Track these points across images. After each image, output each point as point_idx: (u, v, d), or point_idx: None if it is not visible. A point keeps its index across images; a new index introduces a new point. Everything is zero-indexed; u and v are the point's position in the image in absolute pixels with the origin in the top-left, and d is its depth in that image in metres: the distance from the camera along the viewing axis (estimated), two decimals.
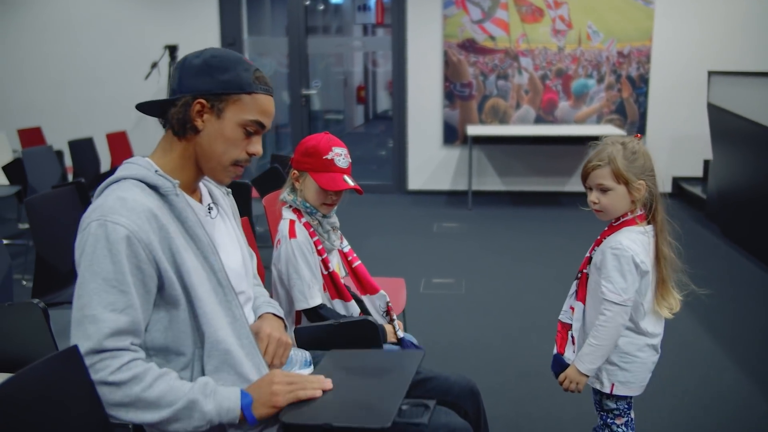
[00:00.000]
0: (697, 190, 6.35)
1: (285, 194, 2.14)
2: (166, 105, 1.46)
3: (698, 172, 6.75)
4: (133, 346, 1.34)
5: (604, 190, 1.83)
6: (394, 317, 2.20)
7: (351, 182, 2.08)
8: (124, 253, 1.32)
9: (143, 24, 7.19)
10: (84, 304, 1.31)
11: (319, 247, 2.09)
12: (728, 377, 3.00)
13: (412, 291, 4.13)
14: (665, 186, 7.06)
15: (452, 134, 6.98)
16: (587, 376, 1.85)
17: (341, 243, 2.25)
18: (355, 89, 13.73)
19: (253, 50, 7.74)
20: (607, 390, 1.89)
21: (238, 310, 1.48)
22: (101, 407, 1.31)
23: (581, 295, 1.91)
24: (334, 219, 2.20)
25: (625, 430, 1.95)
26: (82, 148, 5.20)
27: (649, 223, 1.88)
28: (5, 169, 4.85)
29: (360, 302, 2.16)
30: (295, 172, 2.12)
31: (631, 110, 6.71)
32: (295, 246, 2.04)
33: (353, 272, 2.23)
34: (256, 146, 1.51)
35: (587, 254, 1.92)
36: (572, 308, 1.94)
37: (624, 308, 1.79)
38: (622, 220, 1.86)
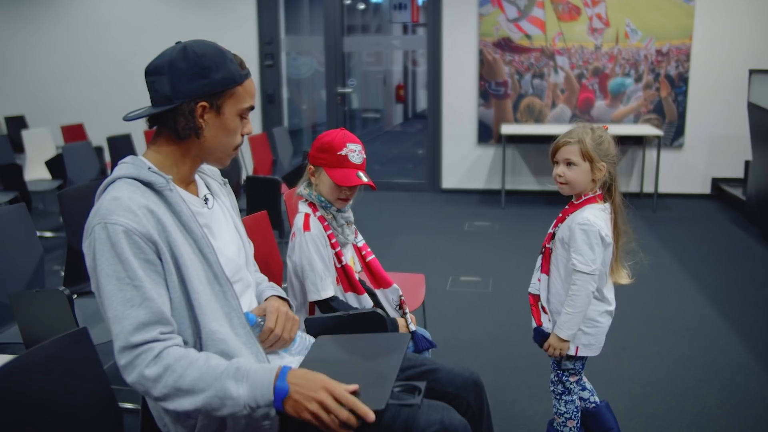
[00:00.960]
0: (737, 192, 6.20)
1: (301, 188, 2.19)
2: (164, 113, 1.49)
3: (738, 173, 6.59)
4: (163, 335, 1.37)
5: (570, 164, 2.05)
6: (407, 311, 2.23)
7: (364, 178, 2.11)
8: (129, 250, 1.36)
9: (182, 23, 7.36)
10: (106, 307, 1.36)
11: (333, 241, 2.13)
12: (754, 382, 2.95)
13: (438, 288, 4.14)
14: (705, 188, 6.93)
15: (487, 133, 6.96)
16: (568, 342, 2.08)
17: (356, 237, 2.28)
18: (395, 88, 13.78)
19: (291, 49, 7.85)
20: (572, 352, 2.11)
21: (234, 301, 1.53)
22: (109, 387, 1.37)
23: (545, 268, 2.13)
24: (349, 214, 2.23)
25: (575, 387, 2.19)
26: (120, 144, 5.36)
27: (605, 202, 2.10)
28: (48, 164, 5.03)
29: (373, 295, 2.19)
30: (311, 167, 2.16)
31: (670, 110, 6.59)
32: (309, 238, 2.08)
33: (367, 266, 2.26)
34: (248, 126, 1.60)
35: (550, 230, 2.15)
36: (539, 280, 2.16)
37: (592, 277, 2.02)
38: (584, 198, 2.08)
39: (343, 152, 2.10)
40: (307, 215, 2.13)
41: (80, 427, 1.31)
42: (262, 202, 3.94)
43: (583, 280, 2.01)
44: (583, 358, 2.17)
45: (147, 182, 1.46)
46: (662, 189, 6.63)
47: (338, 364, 1.55)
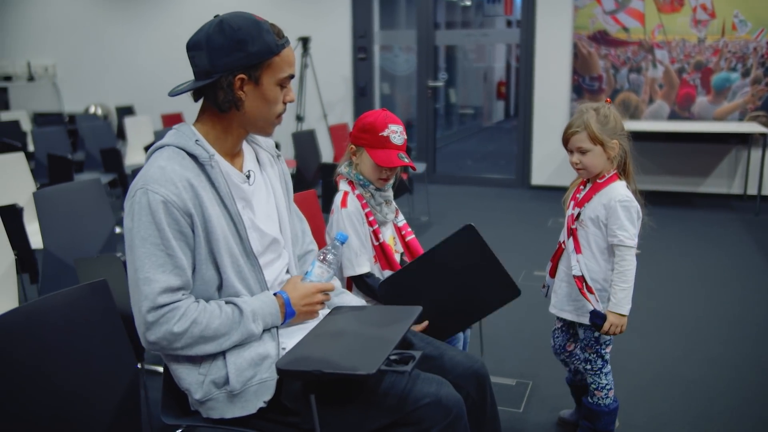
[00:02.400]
0: None
1: (342, 167, 2.23)
2: (205, 87, 1.55)
3: None
4: (184, 295, 1.50)
5: (583, 151, 2.11)
6: None
7: (405, 159, 2.13)
8: (165, 220, 1.46)
9: (278, 17, 7.58)
10: (137, 267, 1.46)
11: (371, 219, 2.16)
12: None
13: None
14: None
15: None
16: (626, 317, 2.09)
17: (396, 217, 2.30)
18: (496, 85, 13.62)
19: (384, 42, 7.94)
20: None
21: (259, 275, 1.63)
22: (125, 338, 1.48)
23: (579, 250, 2.17)
24: (389, 193, 2.25)
25: (609, 358, 2.27)
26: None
27: (620, 178, 2.15)
28: (146, 149, 5.37)
29: None
30: (353, 146, 2.20)
31: None
32: (345, 215, 2.12)
33: (406, 246, 2.28)
34: (290, 94, 1.63)
35: (570, 212, 2.19)
36: (577, 263, 2.17)
37: (635, 250, 2.11)
38: (606, 177, 2.13)
39: (384, 133, 2.12)
40: (345, 193, 2.17)
41: (96, 372, 1.41)
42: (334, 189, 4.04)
43: (631, 254, 2.09)
44: None
45: (192, 154, 1.54)
46: (766, 191, 6.20)
47: (345, 330, 1.59)
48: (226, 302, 1.56)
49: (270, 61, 1.55)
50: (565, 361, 2.42)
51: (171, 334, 1.46)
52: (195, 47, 1.55)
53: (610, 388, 2.26)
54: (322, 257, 1.71)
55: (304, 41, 7.10)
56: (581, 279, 2.15)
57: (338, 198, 2.17)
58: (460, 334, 2.24)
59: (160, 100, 8.03)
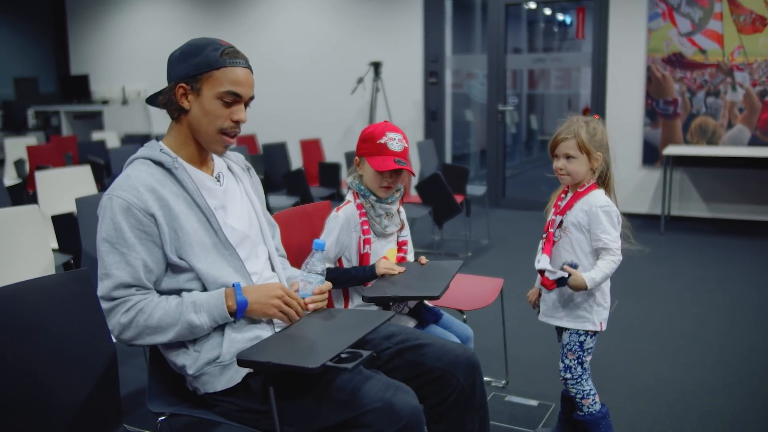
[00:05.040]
0: None
1: (348, 178, 2.30)
2: (162, 95, 1.74)
3: None
4: (139, 292, 1.63)
5: (569, 157, 2.22)
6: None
7: (403, 164, 2.17)
8: (125, 220, 1.61)
9: (352, 43, 7.83)
10: (100, 263, 1.63)
11: (365, 227, 2.21)
12: None
13: None
14: None
15: (653, 154, 6.55)
16: (585, 289, 2.17)
17: (400, 232, 2.34)
18: (581, 111, 13.36)
19: (456, 67, 8.01)
20: (597, 328, 2.25)
21: (236, 262, 1.72)
22: (103, 324, 1.59)
23: (547, 250, 2.26)
24: (392, 206, 2.27)
25: (588, 367, 2.31)
26: (275, 152, 5.85)
27: (598, 188, 2.26)
28: None
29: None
30: (357, 158, 2.27)
31: None
32: (333, 218, 2.22)
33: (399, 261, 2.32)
34: (239, 114, 1.71)
35: (551, 218, 2.31)
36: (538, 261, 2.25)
37: (619, 252, 2.21)
38: (586, 186, 2.24)
39: (382, 140, 2.17)
40: (347, 201, 2.24)
41: (73, 353, 1.53)
42: None
43: (616, 255, 2.20)
44: (596, 334, 2.29)
45: (158, 162, 1.70)
46: None
47: (310, 331, 1.65)
48: (176, 296, 1.67)
49: (209, 74, 1.67)
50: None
51: (120, 324, 1.61)
52: (167, 63, 1.76)
53: (595, 393, 2.30)
54: (305, 268, 1.79)
55: (376, 66, 7.27)
56: (542, 272, 2.23)
57: (340, 205, 2.25)
58: (454, 336, 2.24)
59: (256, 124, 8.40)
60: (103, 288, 1.62)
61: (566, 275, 2.16)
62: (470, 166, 9.00)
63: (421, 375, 1.78)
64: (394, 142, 2.18)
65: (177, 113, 1.74)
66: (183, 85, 1.69)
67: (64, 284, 1.55)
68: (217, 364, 1.65)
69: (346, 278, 2.18)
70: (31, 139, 7.07)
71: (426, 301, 2.26)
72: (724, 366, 3.16)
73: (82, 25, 9.70)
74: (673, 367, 3.15)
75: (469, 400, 1.78)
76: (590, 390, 2.28)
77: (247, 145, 7.01)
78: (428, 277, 2.18)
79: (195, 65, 1.68)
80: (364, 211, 2.23)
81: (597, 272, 2.18)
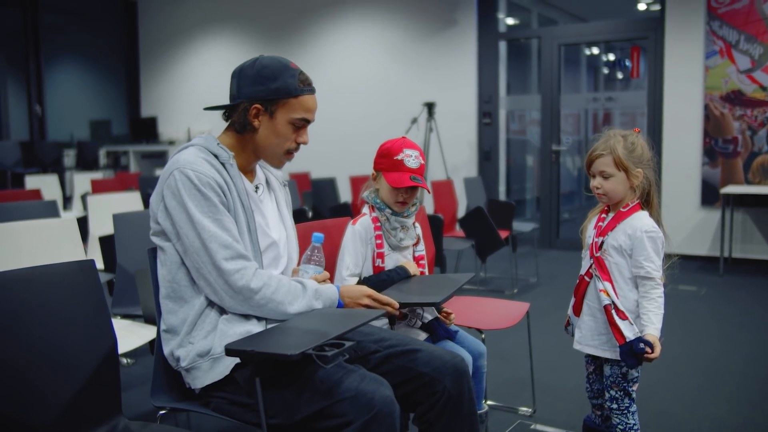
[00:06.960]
0: None
1: (365, 193, 2.33)
2: (229, 108, 1.82)
3: None
4: (249, 261, 1.70)
5: (606, 176, 2.09)
6: (449, 316, 2.27)
7: (419, 181, 2.19)
8: (207, 191, 1.66)
9: (407, 84, 7.95)
10: (199, 231, 1.64)
11: (379, 241, 2.23)
12: None
13: None
14: None
15: (712, 195, 6.33)
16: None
17: (416, 246, 2.35)
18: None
19: (511, 107, 8.01)
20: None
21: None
22: (107, 314, 1.65)
23: (606, 277, 2.10)
24: (408, 219, 2.29)
25: (635, 396, 2.16)
26: (324, 186, 5.97)
27: (642, 208, 2.12)
28: None
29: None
30: (374, 172, 2.30)
31: None
32: (350, 231, 2.23)
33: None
34: (304, 137, 1.83)
35: (593, 239, 2.15)
36: (604, 291, 2.09)
37: (662, 281, 2.07)
38: (630, 206, 2.10)
39: (399, 157, 2.21)
40: (363, 215, 2.27)
41: (74, 341, 1.58)
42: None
43: (660, 285, 2.06)
44: None
45: (214, 153, 1.76)
46: None
47: (303, 324, 1.67)
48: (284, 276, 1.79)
49: (286, 101, 1.77)
50: (601, 406, 2.28)
51: (249, 290, 1.65)
52: (233, 75, 1.83)
53: (638, 429, 2.14)
54: (307, 259, 1.88)
55: (429, 106, 7.36)
56: (611, 306, 2.05)
57: (356, 218, 2.28)
58: (465, 350, 2.20)
59: (311, 163, 8.61)
60: (226, 247, 1.65)
61: (643, 347, 1.99)
62: (526, 209, 8.91)
63: (410, 380, 1.78)
64: (410, 158, 2.21)
65: (244, 130, 1.80)
66: (258, 106, 1.77)
67: (69, 272, 1.61)
68: (208, 357, 1.68)
69: (389, 282, 2.17)
70: (98, 175, 7.43)
71: (438, 315, 2.25)
72: None
73: (152, 70, 10.24)
74: (715, 403, 2.99)
75: (456, 407, 1.76)
76: (634, 425, 2.13)
77: (299, 180, 7.17)
78: (434, 285, 2.18)
79: (274, 90, 1.76)
80: (378, 224, 2.25)
81: (654, 318, 2.03)
